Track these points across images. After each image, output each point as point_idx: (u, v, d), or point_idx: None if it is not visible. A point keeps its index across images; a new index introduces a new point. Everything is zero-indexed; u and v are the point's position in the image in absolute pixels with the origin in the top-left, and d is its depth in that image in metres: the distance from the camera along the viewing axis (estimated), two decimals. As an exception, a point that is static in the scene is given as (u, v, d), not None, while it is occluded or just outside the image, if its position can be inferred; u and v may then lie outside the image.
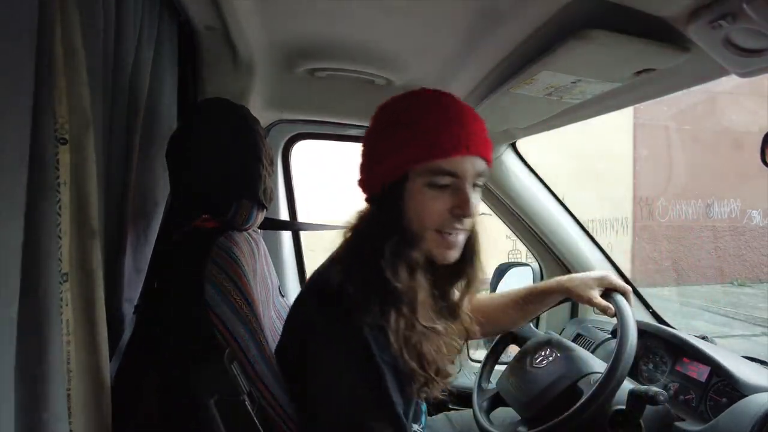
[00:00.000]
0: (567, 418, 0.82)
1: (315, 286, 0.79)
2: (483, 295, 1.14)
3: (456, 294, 0.85)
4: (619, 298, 0.94)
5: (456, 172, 0.72)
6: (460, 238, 0.77)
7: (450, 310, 0.84)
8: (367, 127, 0.80)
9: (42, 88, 0.48)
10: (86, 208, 0.57)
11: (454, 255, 0.77)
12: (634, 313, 0.92)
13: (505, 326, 1.12)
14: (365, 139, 0.80)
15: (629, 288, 0.99)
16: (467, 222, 0.75)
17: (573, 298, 1.01)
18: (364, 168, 0.79)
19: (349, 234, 0.79)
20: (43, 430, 0.48)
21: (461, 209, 0.72)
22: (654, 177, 7.78)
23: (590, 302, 0.96)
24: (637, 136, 7.65)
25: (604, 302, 0.95)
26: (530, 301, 1.05)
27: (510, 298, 1.08)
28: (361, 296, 0.68)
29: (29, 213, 0.46)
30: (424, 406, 0.91)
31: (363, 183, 0.80)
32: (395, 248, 0.71)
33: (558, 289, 1.01)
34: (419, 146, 0.70)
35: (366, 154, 0.79)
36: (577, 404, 0.83)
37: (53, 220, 0.51)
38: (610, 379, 0.83)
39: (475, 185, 0.75)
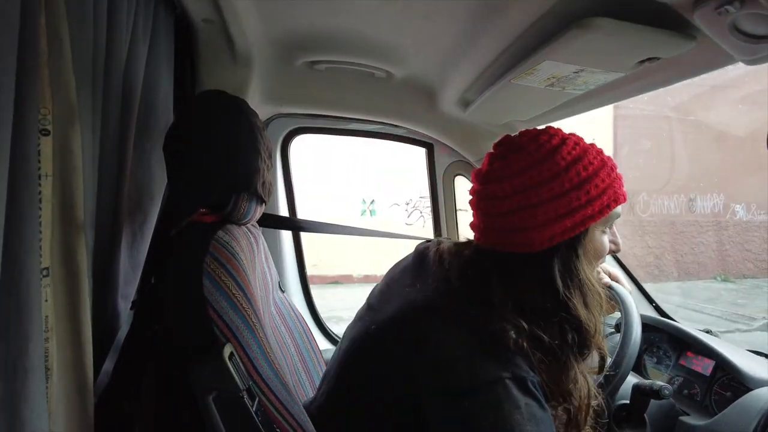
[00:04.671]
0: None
1: (448, 324, 0.67)
2: None
3: None
4: (623, 291, 0.93)
5: (620, 215, 0.73)
6: None
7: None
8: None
9: (24, 78, 0.47)
10: (71, 201, 0.56)
11: None
12: (637, 308, 0.91)
13: None
14: (517, 190, 0.69)
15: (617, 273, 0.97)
16: None
17: None
18: (529, 222, 0.68)
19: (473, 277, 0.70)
20: (22, 426, 0.47)
21: (616, 245, 0.75)
22: (635, 170, 7.62)
23: None
24: (617, 127, 7.48)
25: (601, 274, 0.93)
26: None
27: None
28: (526, 346, 0.63)
29: (9, 205, 0.45)
30: None
31: (526, 240, 0.68)
32: (582, 296, 0.68)
33: None
34: (612, 196, 0.69)
35: (534, 208, 0.68)
36: None
37: (34, 213, 0.50)
38: (614, 375, 0.82)
39: None
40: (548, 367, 0.64)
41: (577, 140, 0.71)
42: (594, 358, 0.75)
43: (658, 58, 0.80)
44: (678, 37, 0.73)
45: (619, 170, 0.71)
